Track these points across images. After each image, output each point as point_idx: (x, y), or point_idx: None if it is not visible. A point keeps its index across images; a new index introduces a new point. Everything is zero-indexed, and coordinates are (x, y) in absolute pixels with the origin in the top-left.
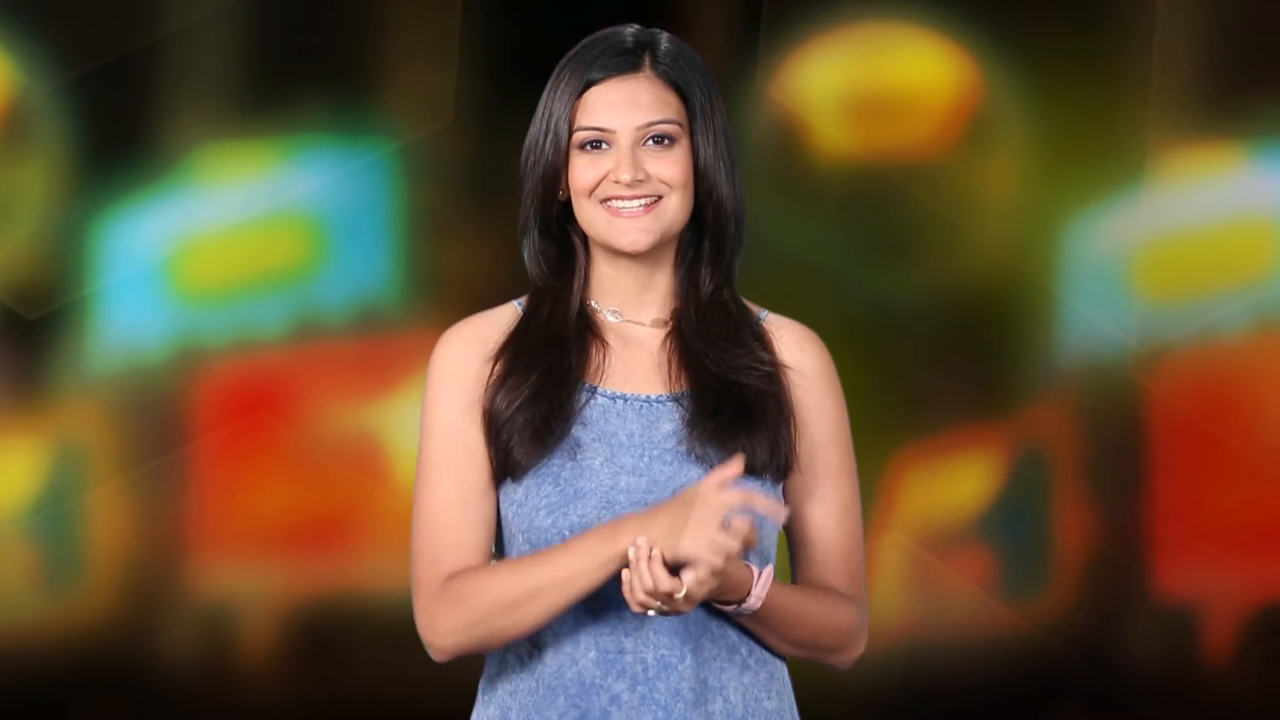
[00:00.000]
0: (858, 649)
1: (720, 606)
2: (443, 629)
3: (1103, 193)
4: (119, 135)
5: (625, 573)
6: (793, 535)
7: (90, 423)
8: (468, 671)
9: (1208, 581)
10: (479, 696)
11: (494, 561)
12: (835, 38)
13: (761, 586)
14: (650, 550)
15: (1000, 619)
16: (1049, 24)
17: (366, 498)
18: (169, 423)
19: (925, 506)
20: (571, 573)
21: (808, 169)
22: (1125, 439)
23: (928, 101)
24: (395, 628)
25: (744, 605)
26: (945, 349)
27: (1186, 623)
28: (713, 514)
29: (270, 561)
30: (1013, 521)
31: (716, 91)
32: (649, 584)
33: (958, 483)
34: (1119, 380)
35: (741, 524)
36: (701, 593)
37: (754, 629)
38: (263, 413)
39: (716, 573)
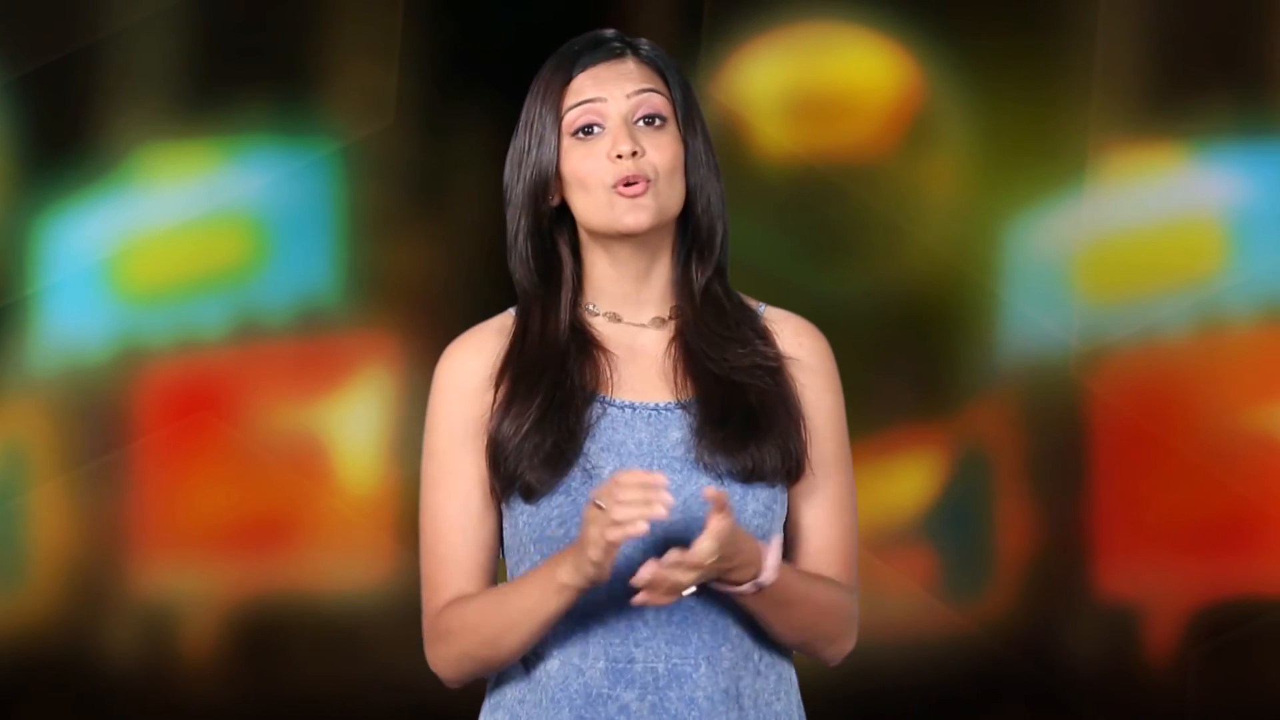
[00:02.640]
0: (850, 640)
1: (731, 588)
2: (439, 662)
3: (1044, 193)
4: (60, 135)
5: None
6: (787, 529)
7: (31, 423)
8: (412, 674)
9: (1149, 581)
10: (485, 700)
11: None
12: (777, 38)
13: (773, 557)
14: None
15: (942, 619)
16: (990, 24)
17: (308, 498)
18: (110, 423)
19: (867, 506)
20: (530, 605)
21: (749, 169)
22: (1067, 439)
23: (869, 101)
24: (337, 628)
25: (761, 578)
26: (886, 349)
27: (1128, 622)
28: (610, 489)
29: (212, 561)
30: (954, 521)
31: (695, 98)
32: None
33: (899, 483)
34: (1060, 380)
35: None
36: (708, 555)
37: (762, 611)
38: (204, 413)
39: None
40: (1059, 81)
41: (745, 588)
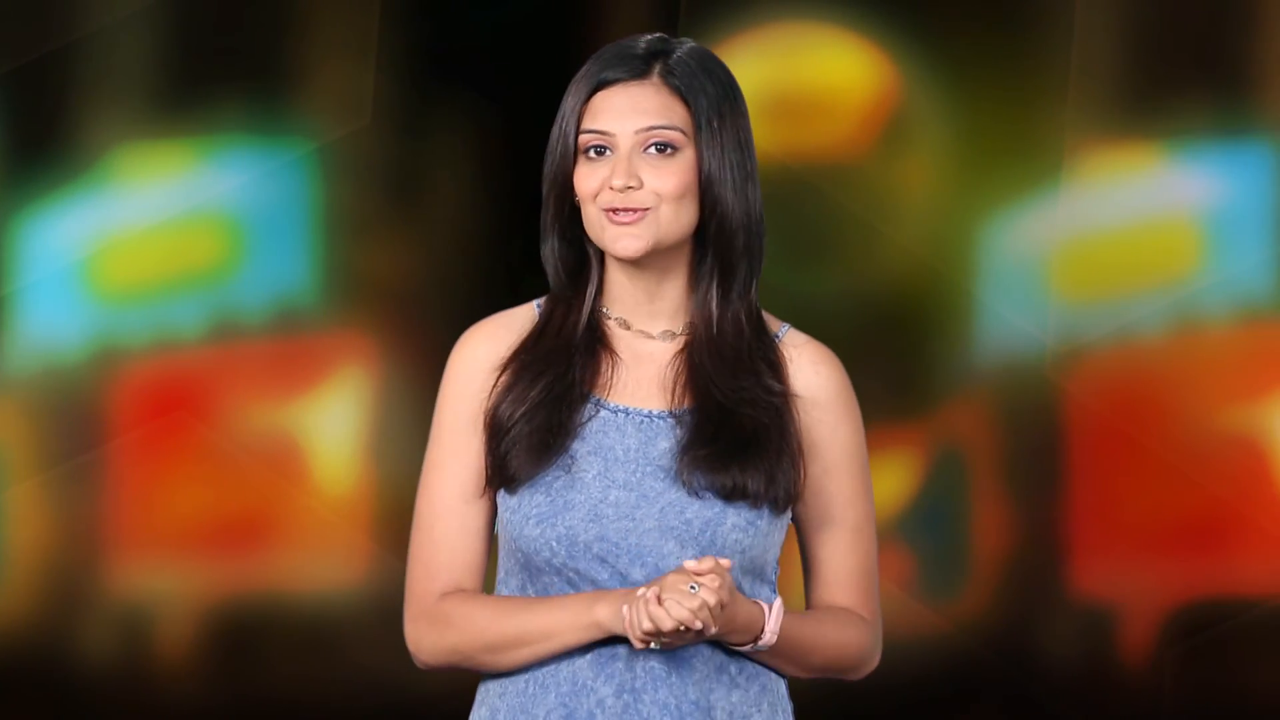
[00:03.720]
0: (872, 663)
1: (735, 647)
2: (426, 648)
3: (1020, 193)
4: (37, 135)
5: (626, 609)
6: (805, 557)
7: (7, 423)
8: (388, 674)
9: (1125, 581)
10: (476, 696)
11: (484, 593)
12: (752, 38)
13: (774, 621)
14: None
15: (918, 619)
16: (966, 24)
17: (284, 498)
18: (87, 423)
19: None
20: (552, 629)
21: None
22: (1043, 439)
23: (845, 102)
24: (313, 628)
25: (760, 643)
26: (863, 349)
27: (1104, 622)
28: (681, 580)
29: (188, 562)
30: (930, 521)
31: (734, 103)
32: (646, 623)
33: (875, 482)
34: (1036, 380)
35: (710, 580)
36: (696, 625)
37: (771, 661)
38: (181, 413)
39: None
40: (1035, 81)
41: (745, 649)
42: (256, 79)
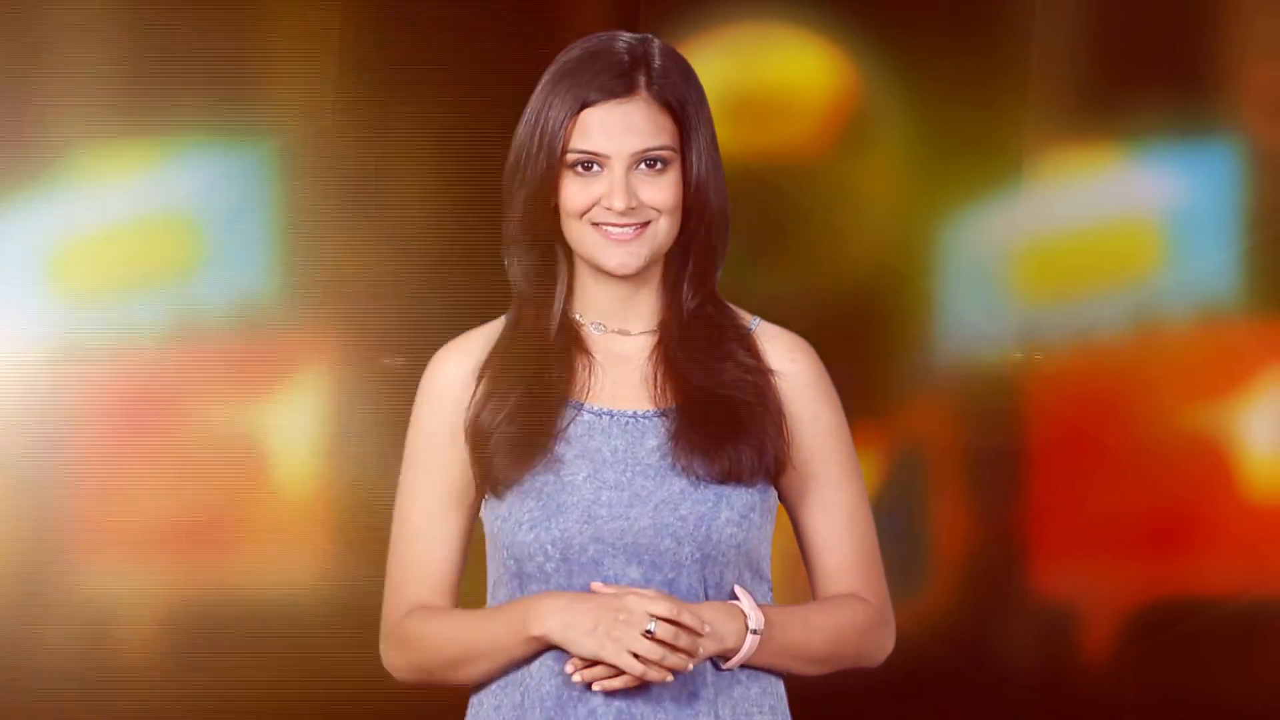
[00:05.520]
0: (886, 646)
1: (734, 656)
2: (398, 666)
3: (981, 193)
4: None
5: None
6: (804, 548)
7: None
8: (350, 674)
9: (1086, 582)
10: (469, 711)
11: (447, 609)
12: (713, 38)
13: (747, 602)
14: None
15: None
16: (926, 24)
17: (246, 498)
18: (47, 423)
19: None
20: (495, 645)
21: None
22: (1003, 439)
23: (805, 102)
24: (274, 629)
25: (749, 625)
26: (823, 349)
27: (1064, 623)
28: (636, 624)
29: (149, 562)
30: (891, 522)
31: (705, 101)
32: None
33: None
34: (997, 380)
35: (665, 630)
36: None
37: (776, 661)
38: (141, 413)
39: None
40: (995, 81)
41: (746, 643)
42: (217, 78)
